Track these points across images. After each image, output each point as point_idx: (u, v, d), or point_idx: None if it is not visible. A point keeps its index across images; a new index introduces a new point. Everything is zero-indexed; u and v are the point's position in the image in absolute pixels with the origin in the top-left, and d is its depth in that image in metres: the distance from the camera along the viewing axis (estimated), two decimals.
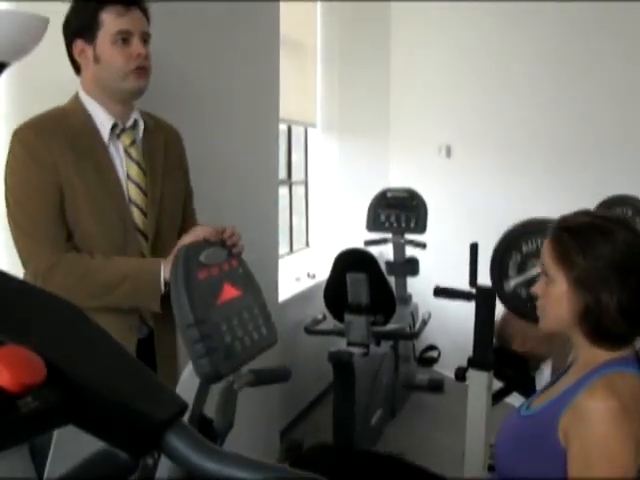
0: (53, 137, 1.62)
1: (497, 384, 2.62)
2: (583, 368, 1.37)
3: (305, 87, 4.58)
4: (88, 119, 1.70)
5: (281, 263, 3.64)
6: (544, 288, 1.41)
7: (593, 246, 1.32)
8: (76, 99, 1.73)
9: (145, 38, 1.69)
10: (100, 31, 1.64)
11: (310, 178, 4.85)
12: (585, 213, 1.41)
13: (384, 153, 5.10)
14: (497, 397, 2.67)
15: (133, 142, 1.74)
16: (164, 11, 1.68)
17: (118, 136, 1.73)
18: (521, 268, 2.12)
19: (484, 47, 4.60)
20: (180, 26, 2.23)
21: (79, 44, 1.67)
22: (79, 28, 1.66)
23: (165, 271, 1.57)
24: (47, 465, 0.69)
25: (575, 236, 1.35)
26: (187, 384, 1.32)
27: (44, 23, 1.16)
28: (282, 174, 4.36)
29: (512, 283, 2.07)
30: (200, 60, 2.46)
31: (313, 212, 4.86)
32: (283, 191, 4.41)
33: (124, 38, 1.64)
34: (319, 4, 4.66)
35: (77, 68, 1.73)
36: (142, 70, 1.68)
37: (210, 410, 1.43)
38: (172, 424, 0.56)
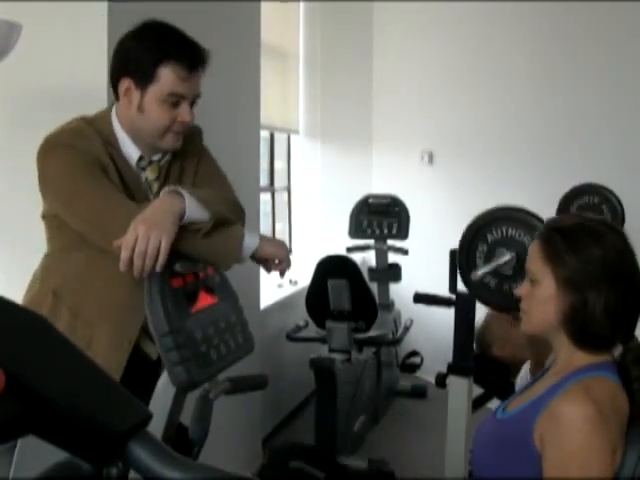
0: (93, 138, 1.56)
1: (477, 390, 2.62)
2: (561, 371, 1.38)
3: (287, 93, 4.59)
4: (119, 146, 1.63)
5: (263, 270, 3.63)
6: (529, 290, 1.41)
7: (584, 247, 1.33)
8: (108, 121, 1.64)
9: (195, 100, 1.63)
10: (153, 85, 1.55)
11: (293, 184, 4.85)
12: (575, 216, 1.43)
13: (367, 159, 5.11)
14: (478, 403, 2.68)
15: (156, 178, 1.68)
16: (137, 12, 1.65)
17: (143, 169, 1.66)
18: (488, 257, 2.08)
19: (467, 53, 4.63)
20: None
21: (127, 83, 1.57)
22: (134, 70, 1.56)
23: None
24: (10, 474, 0.69)
25: (566, 237, 1.36)
26: (163, 393, 1.32)
27: (17, 30, 1.15)
28: (265, 181, 4.36)
29: (479, 272, 2.03)
30: None
31: (296, 219, 4.86)
32: (266, 197, 4.41)
33: (174, 101, 1.57)
34: (302, 4, 4.67)
35: (116, 93, 1.63)
36: (181, 134, 1.63)
37: (187, 418, 1.43)
38: (135, 434, 0.56)
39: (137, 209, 1.46)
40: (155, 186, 1.68)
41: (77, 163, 1.52)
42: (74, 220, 1.55)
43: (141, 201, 1.59)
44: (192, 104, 1.62)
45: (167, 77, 1.54)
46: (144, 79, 1.55)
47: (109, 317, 1.63)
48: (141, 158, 1.65)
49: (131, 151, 1.64)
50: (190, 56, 1.57)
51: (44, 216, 1.67)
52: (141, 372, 1.61)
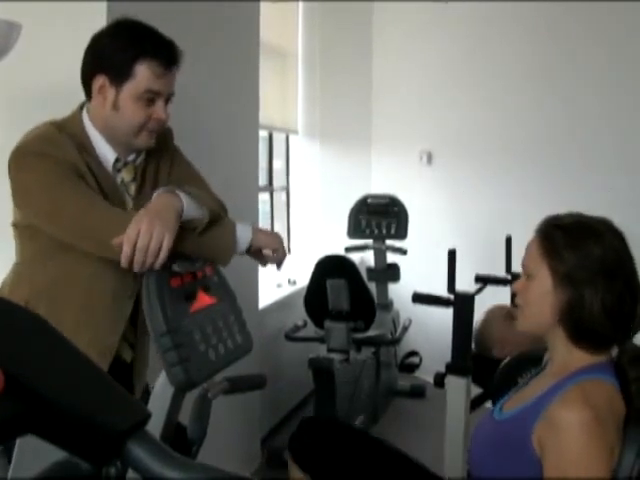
0: (67, 145, 1.52)
1: (476, 390, 2.63)
2: (559, 373, 1.38)
3: (286, 93, 4.59)
4: (92, 148, 1.60)
5: (262, 270, 3.63)
6: (524, 284, 1.42)
7: (583, 244, 1.35)
8: (79, 122, 1.61)
9: (170, 98, 1.61)
10: (129, 82, 1.53)
11: (291, 184, 4.85)
12: (574, 214, 1.44)
13: (366, 159, 5.11)
14: (476, 402, 2.69)
15: (133, 179, 1.66)
16: (136, 12, 1.65)
17: (119, 170, 1.64)
18: None
19: (467, 53, 4.63)
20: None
21: (102, 80, 1.54)
22: (109, 67, 1.54)
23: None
24: (9, 473, 0.69)
25: (565, 233, 1.37)
26: (161, 393, 1.32)
27: (17, 30, 1.15)
28: (263, 181, 4.36)
29: None
30: None
31: (294, 219, 4.86)
32: (264, 197, 4.41)
33: (150, 98, 1.55)
34: (301, 4, 4.67)
35: (88, 91, 1.59)
36: (155, 132, 1.61)
37: (185, 418, 1.43)
38: (134, 433, 0.56)
39: (125, 213, 1.47)
40: (132, 187, 1.65)
41: (53, 174, 1.48)
42: (63, 234, 1.52)
43: (119, 205, 1.58)
44: (167, 102, 1.61)
45: (143, 74, 1.53)
46: (120, 76, 1.53)
47: (89, 326, 1.59)
48: (117, 160, 1.62)
49: (106, 152, 1.61)
50: (166, 54, 1.56)
51: (15, 225, 1.62)
52: (114, 375, 1.59)
